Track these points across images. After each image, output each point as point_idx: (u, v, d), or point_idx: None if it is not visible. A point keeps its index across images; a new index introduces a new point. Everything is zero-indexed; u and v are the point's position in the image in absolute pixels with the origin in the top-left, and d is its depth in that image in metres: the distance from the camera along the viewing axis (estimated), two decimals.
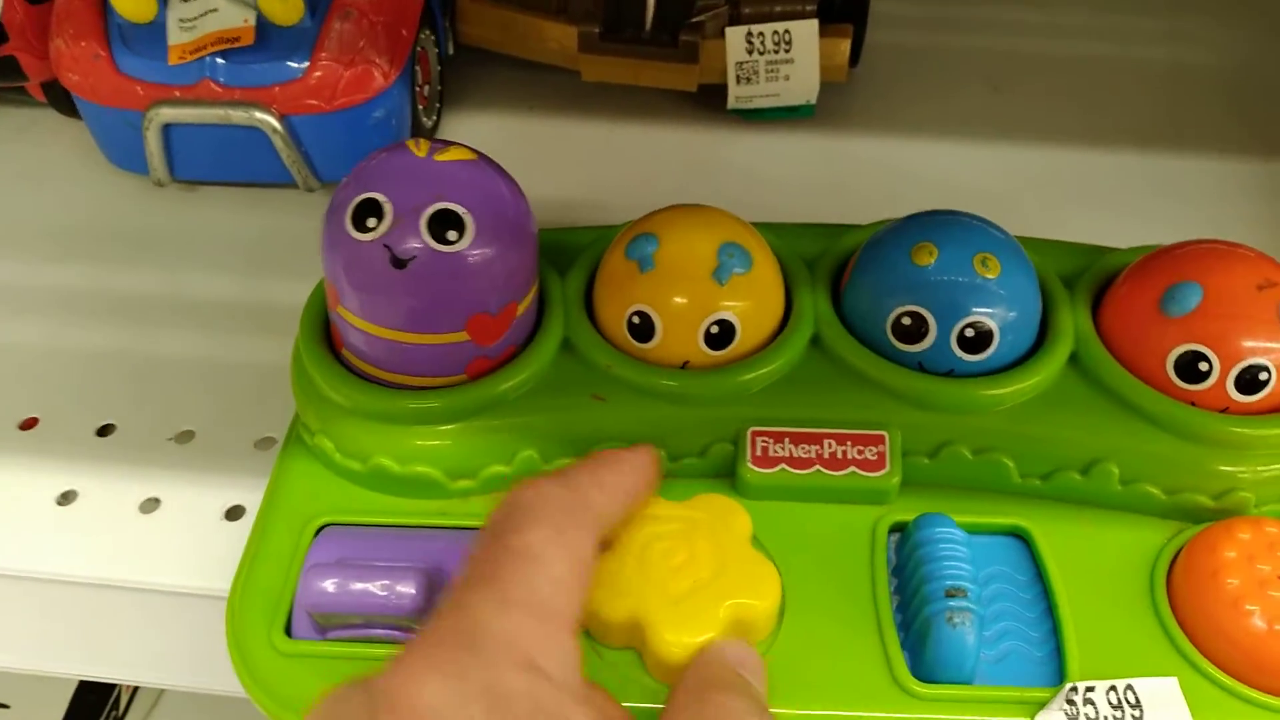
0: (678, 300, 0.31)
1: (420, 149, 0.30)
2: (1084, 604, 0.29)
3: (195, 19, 0.40)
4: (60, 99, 0.46)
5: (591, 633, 0.28)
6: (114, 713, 0.69)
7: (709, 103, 0.49)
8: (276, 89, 0.41)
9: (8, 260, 0.43)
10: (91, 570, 0.33)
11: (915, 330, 0.32)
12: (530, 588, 0.23)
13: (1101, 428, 0.31)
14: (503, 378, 0.31)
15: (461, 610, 0.22)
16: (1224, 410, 0.31)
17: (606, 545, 0.28)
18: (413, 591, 0.27)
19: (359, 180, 0.30)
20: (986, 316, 0.31)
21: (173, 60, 0.40)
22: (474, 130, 0.49)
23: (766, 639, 0.28)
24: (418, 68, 0.46)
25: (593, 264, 0.34)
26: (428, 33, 0.46)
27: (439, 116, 0.49)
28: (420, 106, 0.47)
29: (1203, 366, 0.31)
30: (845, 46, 0.46)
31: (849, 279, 0.34)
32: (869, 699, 0.27)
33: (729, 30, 0.45)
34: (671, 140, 0.49)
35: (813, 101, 0.48)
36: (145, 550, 0.33)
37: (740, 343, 0.32)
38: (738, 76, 0.46)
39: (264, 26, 0.41)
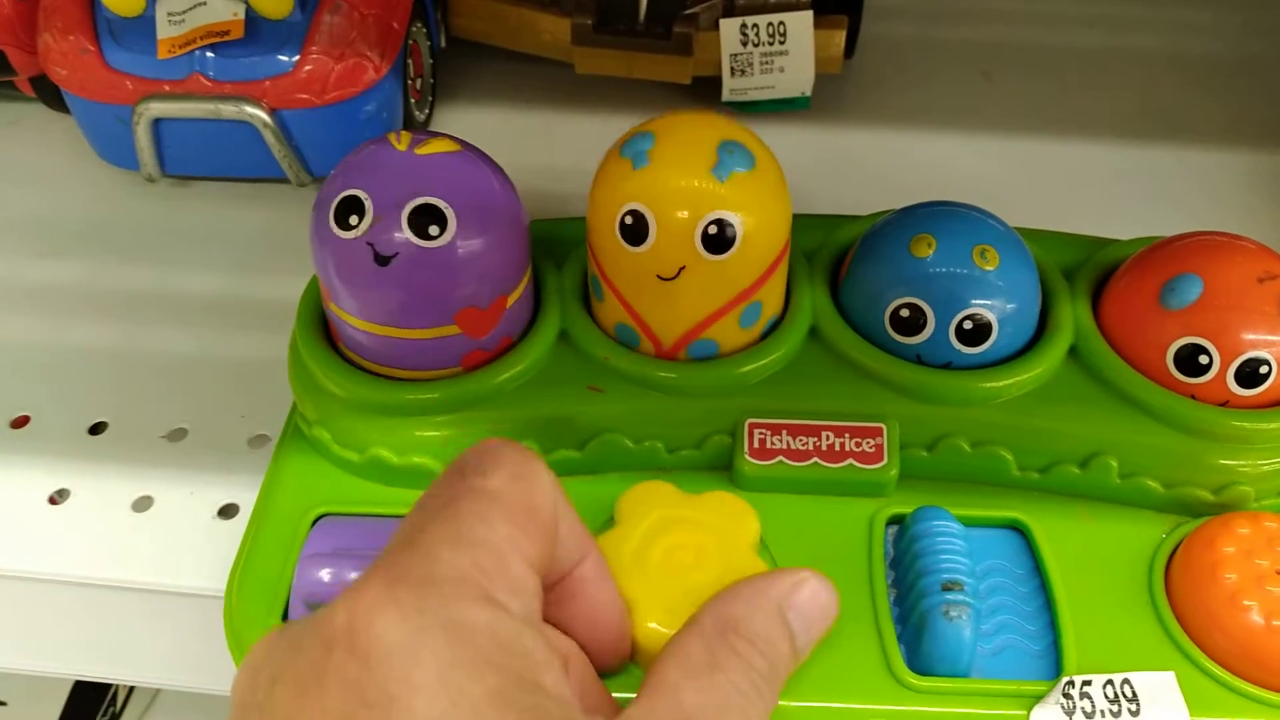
0: (673, 197, 0.29)
1: (401, 142, 0.30)
2: (1082, 597, 0.29)
3: (184, 12, 0.40)
4: (49, 94, 0.46)
5: None
6: (111, 710, 0.68)
7: (704, 95, 0.48)
8: (267, 83, 0.41)
9: None
10: (83, 570, 0.32)
11: (913, 322, 0.31)
12: (489, 524, 0.22)
13: (1100, 421, 0.31)
14: (498, 370, 0.31)
15: (417, 546, 0.21)
16: (1224, 404, 0.31)
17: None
18: None
19: (341, 177, 0.30)
20: (985, 308, 0.31)
21: (162, 54, 0.40)
22: (467, 123, 0.49)
23: None
24: (409, 61, 0.45)
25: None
26: (419, 25, 0.46)
27: (431, 110, 0.49)
28: (412, 100, 0.46)
29: (1203, 360, 0.31)
30: (840, 38, 0.46)
31: (847, 271, 0.34)
32: (865, 691, 0.27)
33: (723, 22, 0.45)
34: None
35: (808, 94, 0.47)
36: (138, 549, 0.33)
37: (741, 249, 0.30)
38: (732, 69, 0.46)
39: (254, 20, 0.41)
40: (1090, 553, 0.30)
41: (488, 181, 0.30)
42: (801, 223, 0.36)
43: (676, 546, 0.28)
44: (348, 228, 0.29)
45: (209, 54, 0.40)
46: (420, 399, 0.31)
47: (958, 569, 0.28)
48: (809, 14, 0.45)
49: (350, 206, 0.29)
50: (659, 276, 0.30)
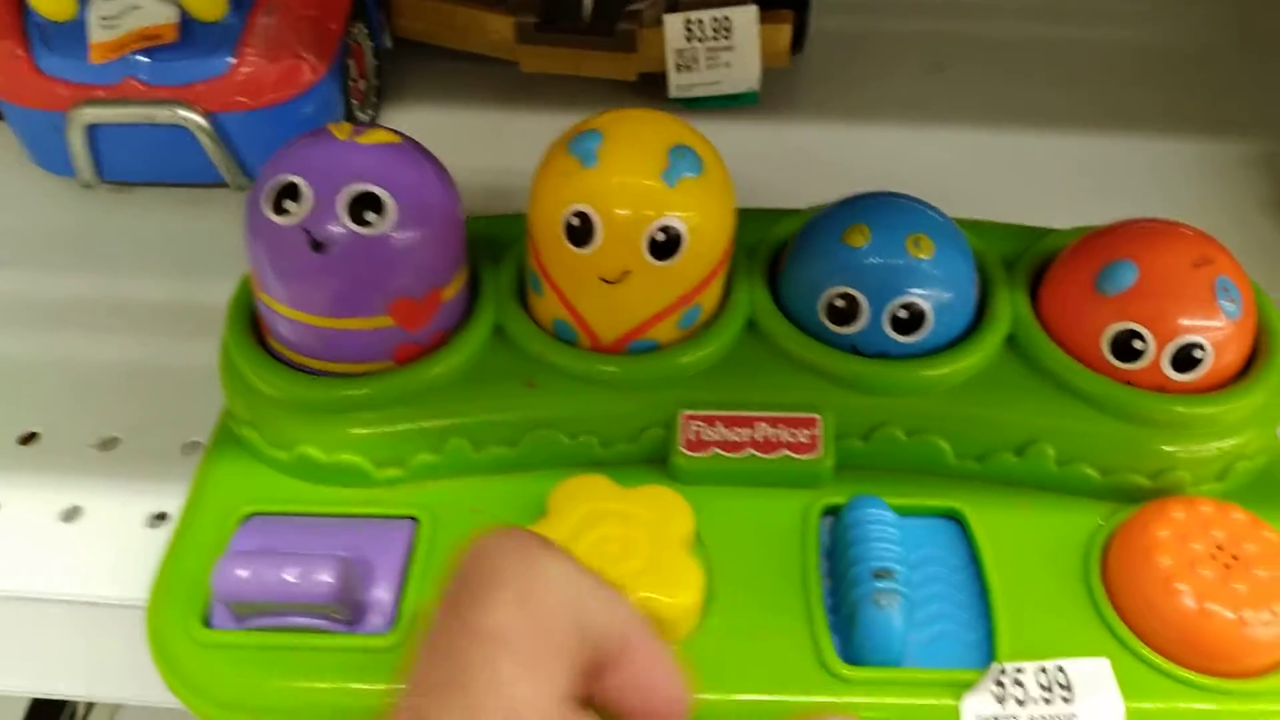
0: (622, 200, 0.29)
1: (342, 132, 0.30)
2: (1017, 586, 0.29)
3: (117, 16, 0.40)
4: None
5: None
6: None
7: (651, 92, 0.48)
8: (201, 86, 0.40)
9: None
10: (12, 583, 0.32)
11: (848, 312, 0.31)
12: (505, 685, 0.20)
13: (1037, 408, 0.31)
14: (431, 364, 0.31)
15: None
16: (1160, 389, 0.31)
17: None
18: (329, 580, 0.27)
19: (278, 164, 0.29)
20: (919, 297, 0.31)
21: (94, 59, 0.40)
22: (414, 124, 0.48)
23: (685, 637, 0.28)
24: (350, 61, 0.45)
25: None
26: (360, 26, 0.46)
27: (377, 111, 0.49)
28: (355, 101, 0.46)
29: (1137, 345, 0.30)
30: (786, 32, 0.46)
31: (785, 263, 0.33)
32: (796, 683, 0.27)
33: (667, 18, 0.45)
34: None
35: (755, 89, 0.47)
36: (67, 560, 0.32)
37: (686, 256, 0.30)
38: (677, 64, 0.46)
39: (187, 23, 0.40)
40: (1027, 540, 0.30)
41: (426, 174, 0.30)
42: (741, 217, 0.36)
43: (604, 539, 0.28)
44: (283, 214, 0.29)
45: (142, 58, 0.40)
46: (349, 394, 0.30)
47: (889, 557, 0.28)
48: (754, 9, 0.45)
49: (287, 192, 0.29)
50: (602, 279, 0.30)
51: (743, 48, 0.46)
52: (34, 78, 0.40)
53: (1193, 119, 0.49)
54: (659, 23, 0.45)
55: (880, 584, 0.27)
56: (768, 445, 0.31)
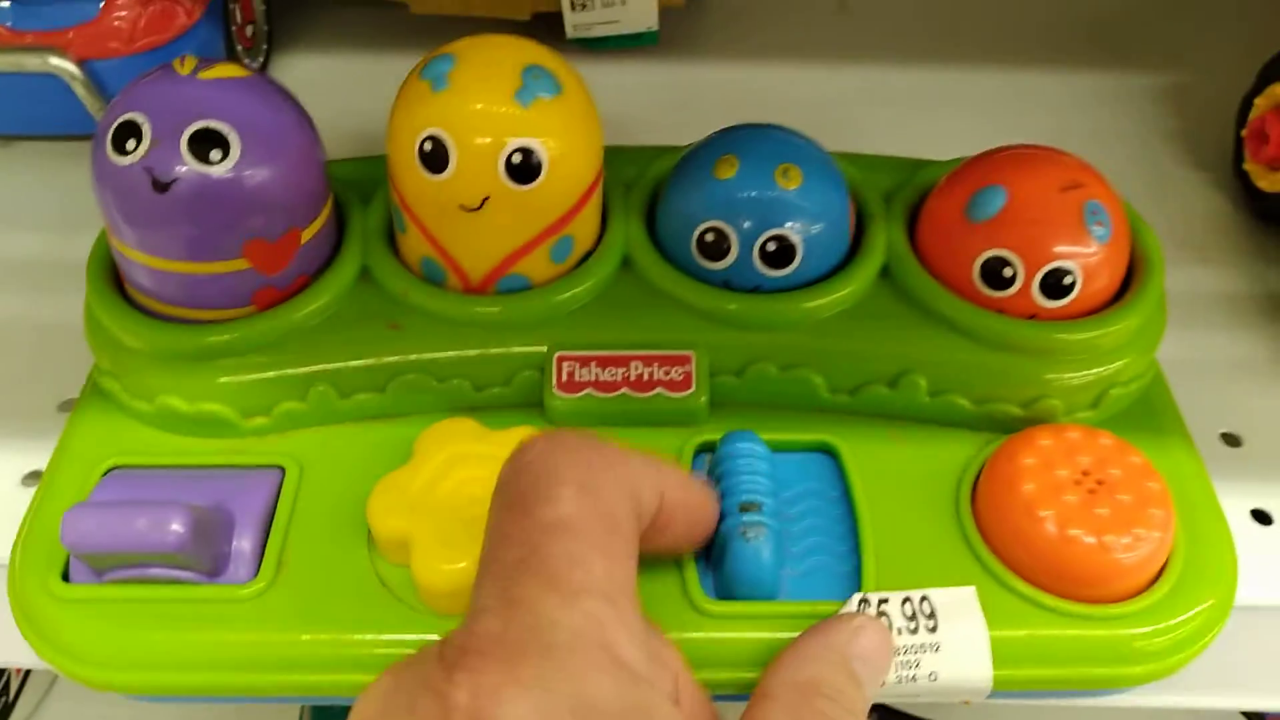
0: (473, 122, 0.28)
1: (185, 67, 0.29)
2: (888, 518, 0.29)
3: None
4: None
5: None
6: (4, 699, 0.67)
7: (549, 32, 0.47)
8: (71, 32, 0.39)
9: None
10: None
11: (718, 246, 0.31)
12: (586, 569, 0.21)
13: (909, 339, 0.31)
14: (293, 308, 0.30)
15: (522, 607, 0.21)
16: (1032, 317, 0.30)
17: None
18: (179, 529, 0.26)
19: (120, 103, 0.28)
20: (787, 229, 0.30)
21: None
22: (306, 71, 0.47)
23: None
24: (234, 6, 0.43)
25: None
26: None
27: (266, 59, 0.47)
28: (242, 47, 0.45)
29: (1007, 272, 0.30)
30: None
31: (661, 199, 0.33)
32: (661, 620, 0.26)
33: None
34: None
35: (654, 28, 0.46)
36: None
37: (548, 180, 0.29)
38: (572, 3, 0.45)
39: None
40: (899, 472, 0.30)
41: (277, 110, 0.29)
42: (622, 155, 0.35)
43: (467, 481, 0.28)
44: (124, 154, 0.28)
45: (5, 3, 0.38)
46: (208, 341, 0.30)
47: (756, 490, 0.28)
48: None
49: (127, 131, 0.28)
50: (462, 207, 0.29)
51: None
52: None
53: (1097, 52, 0.49)
54: None
55: (746, 517, 0.27)
56: (641, 384, 0.30)
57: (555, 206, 0.30)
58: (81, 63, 0.39)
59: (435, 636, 0.24)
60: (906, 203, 0.33)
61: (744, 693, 0.25)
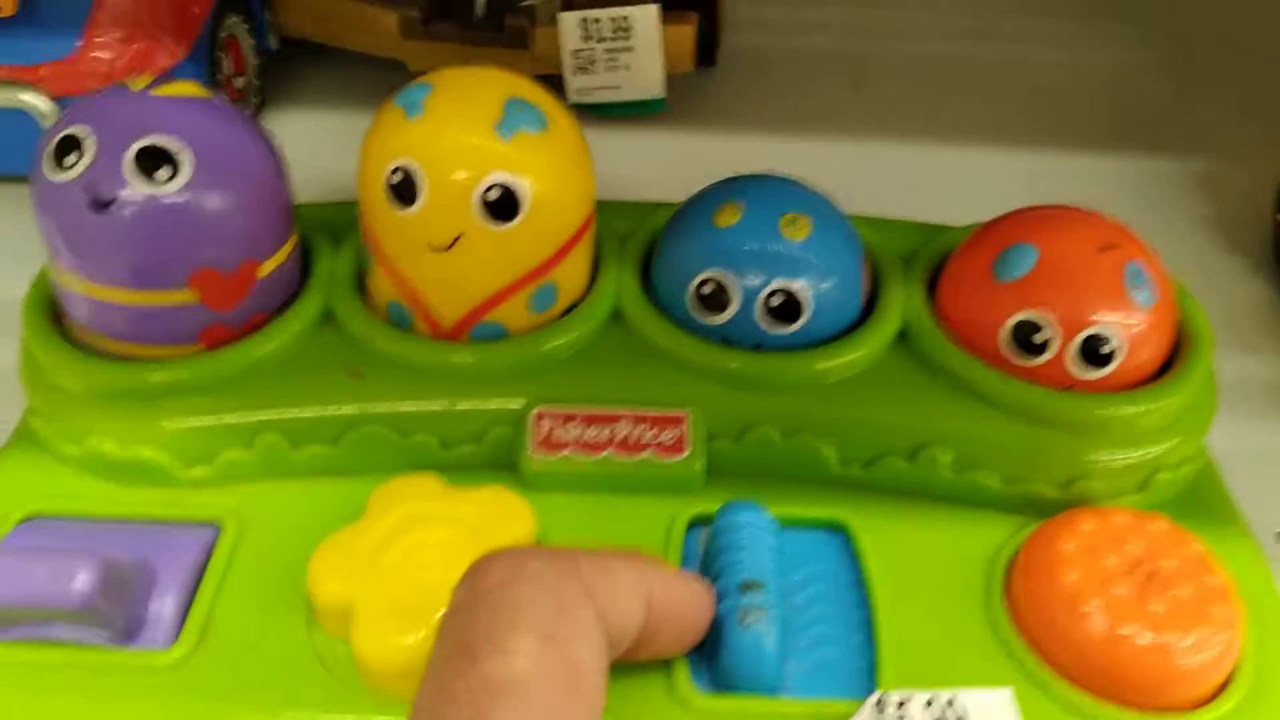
0: (447, 153, 0.26)
1: (137, 84, 0.27)
2: (908, 606, 0.25)
3: None
4: None
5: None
6: None
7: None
8: (44, 69, 0.37)
9: None
10: None
11: (716, 298, 0.28)
12: None
13: (929, 409, 0.27)
14: (244, 349, 0.27)
15: None
16: (1068, 388, 0.27)
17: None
18: (85, 583, 0.23)
19: (65, 117, 0.26)
20: (793, 283, 0.27)
21: None
22: (297, 125, 0.45)
23: None
24: (223, 55, 0.42)
25: None
26: (238, 19, 0.43)
27: (259, 112, 0.45)
28: (230, 98, 0.43)
29: (1039, 338, 0.27)
30: (689, 34, 0.43)
31: (657, 248, 0.30)
32: (640, 717, 0.23)
33: (562, 16, 0.42)
34: None
35: (660, 95, 0.44)
36: None
37: (528, 221, 0.26)
38: (574, 66, 0.43)
39: None
40: (920, 556, 0.26)
41: (238, 133, 0.27)
42: (619, 209, 0.32)
43: (423, 544, 0.24)
44: (64, 169, 0.25)
45: None
46: (145, 380, 0.27)
47: (759, 567, 0.24)
48: (654, 8, 0.42)
49: (68, 145, 0.26)
50: (431, 245, 0.27)
51: (643, 50, 0.43)
52: None
53: (1120, 137, 0.47)
54: (554, 21, 0.43)
55: (746, 598, 0.23)
56: (630, 446, 0.27)
57: (536, 250, 0.28)
58: (55, 101, 0.37)
59: None
60: (926, 266, 0.31)
61: None
